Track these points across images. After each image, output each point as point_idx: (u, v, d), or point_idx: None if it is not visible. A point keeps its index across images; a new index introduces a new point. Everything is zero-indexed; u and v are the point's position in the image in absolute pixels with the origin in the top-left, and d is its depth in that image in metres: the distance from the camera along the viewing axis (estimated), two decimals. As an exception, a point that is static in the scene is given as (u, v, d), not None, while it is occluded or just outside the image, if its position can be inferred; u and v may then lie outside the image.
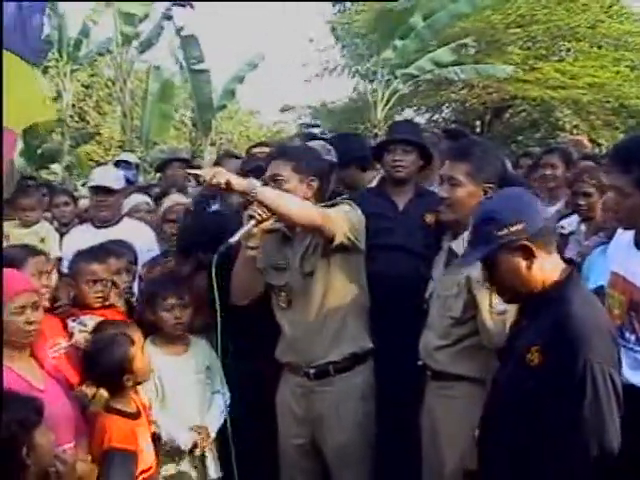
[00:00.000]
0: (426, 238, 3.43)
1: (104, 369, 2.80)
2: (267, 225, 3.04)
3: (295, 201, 2.97)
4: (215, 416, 3.30)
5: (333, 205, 3.16)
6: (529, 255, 2.15)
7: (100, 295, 3.29)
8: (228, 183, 2.79)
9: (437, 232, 3.30)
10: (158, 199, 4.90)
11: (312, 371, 3.16)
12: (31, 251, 3.16)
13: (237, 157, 5.61)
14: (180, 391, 3.24)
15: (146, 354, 2.93)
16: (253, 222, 2.91)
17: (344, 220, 3.08)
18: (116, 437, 2.69)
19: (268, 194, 2.87)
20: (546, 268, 2.19)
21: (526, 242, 2.14)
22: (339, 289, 3.14)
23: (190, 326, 3.38)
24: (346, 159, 4.26)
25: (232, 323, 3.09)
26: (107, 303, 3.34)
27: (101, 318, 3.22)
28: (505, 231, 2.13)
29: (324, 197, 3.23)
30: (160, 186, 5.07)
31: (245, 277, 3.19)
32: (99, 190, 4.52)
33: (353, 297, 3.18)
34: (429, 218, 3.50)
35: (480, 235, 2.21)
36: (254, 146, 3.92)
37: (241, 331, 3.30)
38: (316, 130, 5.78)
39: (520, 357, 2.13)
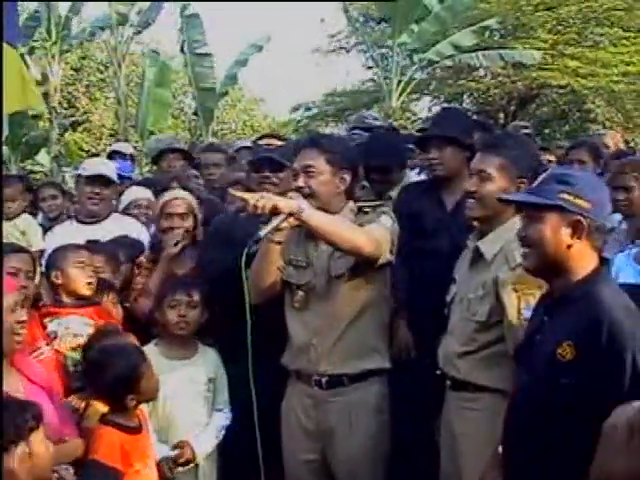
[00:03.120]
0: None
1: (107, 382, 2.79)
2: (294, 220, 3.05)
3: (345, 226, 3.03)
4: (209, 437, 3.32)
5: (374, 208, 3.21)
6: (577, 233, 2.24)
7: (90, 281, 3.30)
8: (275, 207, 2.86)
9: None
10: (158, 194, 4.88)
11: (324, 379, 3.17)
12: (11, 248, 3.18)
13: (221, 151, 5.64)
14: (174, 399, 3.25)
15: (154, 371, 2.92)
16: (283, 216, 2.94)
17: (387, 240, 3.12)
18: (102, 450, 2.70)
19: (317, 217, 2.95)
20: (583, 258, 2.27)
21: (581, 219, 2.23)
22: (365, 299, 3.17)
23: (199, 332, 3.41)
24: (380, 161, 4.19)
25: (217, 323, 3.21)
26: (93, 300, 3.37)
27: (86, 319, 3.24)
28: (571, 198, 2.24)
29: (354, 192, 3.27)
30: (160, 180, 5.06)
31: (265, 274, 3.18)
32: (95, 181, 4.48)
33: (378, 309, 3.23)
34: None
35: (546, 188, 2.30)
36: (261, 137, 3.91)
37: (225, 331, 3.37)
38: (377, 123, 5.66)
39: (549, 354, 2.18)
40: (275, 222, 2.95)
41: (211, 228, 3.87)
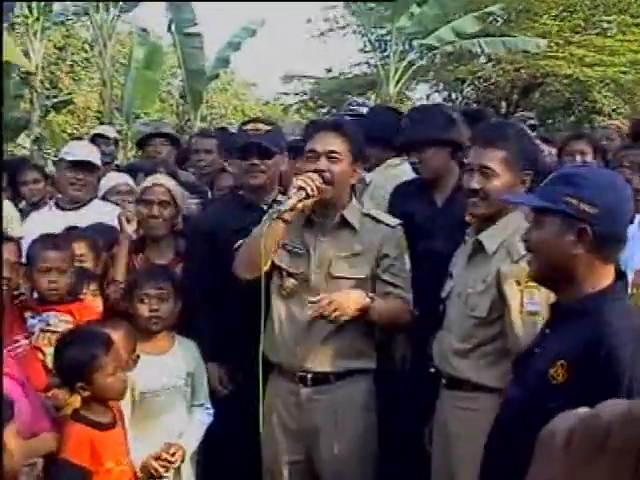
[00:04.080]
0: None
1: (59, 366, 2.78)
2: (310, 202, 3.08)
3: (396, 310, 3.20)
4: (193, 436, 3.30)
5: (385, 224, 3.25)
6: (582, 242, 2.10)
7: (54, 287, 3.26)
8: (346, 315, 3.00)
9: None
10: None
11: (310, 376, 3.16)
12: None
13: (212, 136, 5.63)
14: (150, 396, 3.23)
15: (123, 374, 2.84)
16: (303, 194, 2.99)
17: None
18: (71, 448, 2.67)
19: (378, 310, 3.11)
20: (593, 270, 2.13)
21: (585, 227, 2.09)
22: None
23: (176, 324, 3.38)
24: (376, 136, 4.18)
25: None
26: (73, 297, 3.34)
27: (66, 316, 3.22)
28: (574, 202, 2.09)
29: (354, 186, 3.31)
30: (145, 166, 5.03)
31: (268, 250, 3.12)
32: (79, 166, 4.47)
33: None
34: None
35: (551, 189, 2.18)
36: (246, 122, 3.85)
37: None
38: (364, 109, 5.69)
39: (541, 371, 2.10)
40: (295, 198, 2.99)
41: (192, 223, 3.86)
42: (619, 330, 2.03)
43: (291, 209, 3.04)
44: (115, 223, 3.98)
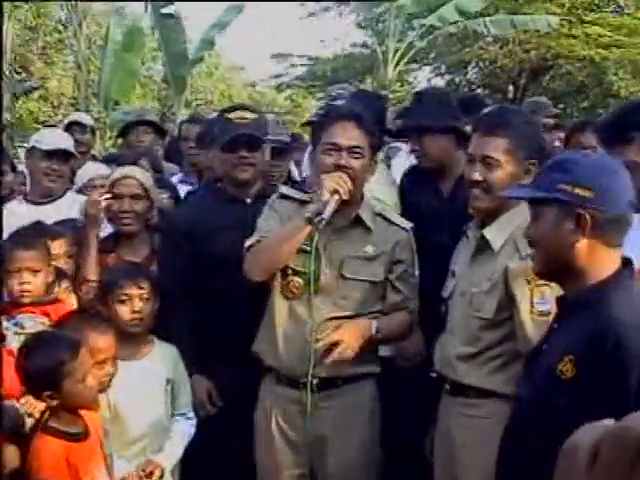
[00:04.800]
0: None
1: (26, 373, 2.71)
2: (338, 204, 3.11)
3: (402, 326, 3.32)
4: (175, 451, 3.30)
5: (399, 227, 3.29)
6: (581, 228, 2.14)
7: (25, 289, 3.24)
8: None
9: None
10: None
11: (316, 381, 3.17)
12: None
13: (202, 122, 5.65)
14: (127, 404, 3.21)
15: (93, 380, 2.79)
16: (337, 197, 3.05)
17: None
18: (46, 465, 2.63)
19: (387, 331, 3.23)
20: (596, 258, 2.17)
21: (583, 212, 2.13)
22: (372, 303, 3.24)
23: (154, 326, 3.38)
24: None
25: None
26: (50, 298, 3.33)
27: (42, 318, 3.22)
28: (568, 188, 2.14)
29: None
30: (127, 156, 5.04)
31: (289, 253, 3.14)
32: (54, 156, 4.46)
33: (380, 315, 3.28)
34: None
35: (543, 178, 2.23)
36: (229, 110, 3.79)
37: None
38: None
39: (549, 367, 2.13)
40: (333, 204, 3.02)
41: (168, 219, 3.85)
42: (625, 319, 2.06)
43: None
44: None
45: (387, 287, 3.26)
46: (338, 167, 3.11)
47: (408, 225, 3.32)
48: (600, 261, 2.18)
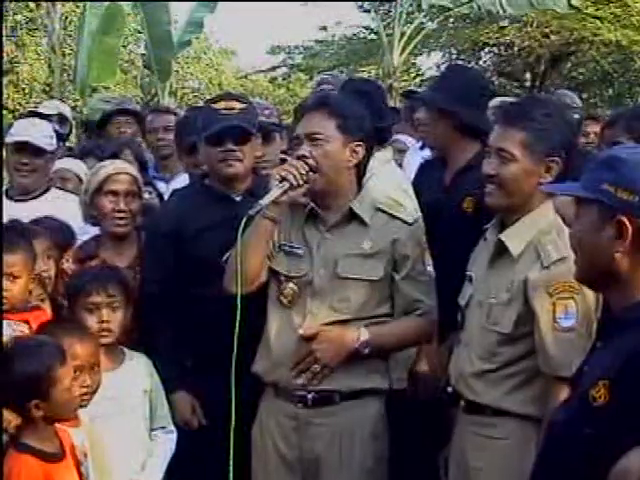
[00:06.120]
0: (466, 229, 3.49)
1: (11, 382, 2.70)
2: (298, 194, 3.13)
3: (412, 332, 3.31)
4: (154, 468, 3.31)
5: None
6: (622, 235, 2.06)
7: (2, 296, 3.22)
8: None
9: (475, 221, 3.33)
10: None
11: (310, 396, 3.18)
12: None
13: (170, 112, 5.73)
14: (103, 419, 3.19)
15: (76, 390, 2.84)
16: (287, 185, 3.05)
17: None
18: None
19: (382, 341, 3.21)
20: None
21: (623, 218, 2.05)
22: (373, 307, 3.23)
23: (128, 336, 3.39)
24: None
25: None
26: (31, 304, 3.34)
27: (23, 325, 3.22)
28: (612, 189, 2.07)
29: (364, 170, 3.30)
30: (106, 148, 5.05)
31: (254, 257, 3.18)
32: (22, 149, 4.49)
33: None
34: (467, 203, 3.55)
35: (590, 176, 2.15)
36: (215, 99, 3.78)
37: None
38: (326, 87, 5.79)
39: (584, 392, 2.08)
40: (278, 191, 3.04)
41: (151, 219, 3.85)
42: None
43: (275, 204, 3.09)
44: (78, 219, 3.96)
45: (394, 289, 3.26)
46: (298, 158, 3.15)
47: (412, 218, 3.32)
48: None
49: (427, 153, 4.70)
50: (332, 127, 3.17)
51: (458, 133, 3.76)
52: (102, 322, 3.27)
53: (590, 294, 2.71)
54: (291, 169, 3.09)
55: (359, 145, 3.22)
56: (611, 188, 2.07)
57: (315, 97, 3.59)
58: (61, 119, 6.40)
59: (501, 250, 2.95)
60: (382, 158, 3.95)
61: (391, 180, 3.90)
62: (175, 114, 5.76)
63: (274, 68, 23.21)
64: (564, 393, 2.45)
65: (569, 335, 2.70)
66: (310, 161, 3.13)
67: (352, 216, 3.23)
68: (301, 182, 3.08)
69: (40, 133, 4.62)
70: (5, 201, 4.43)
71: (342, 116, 3.19)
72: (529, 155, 2.89)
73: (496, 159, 2.93)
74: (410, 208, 3.55)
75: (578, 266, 2.23)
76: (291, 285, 3.22)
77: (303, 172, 3.09)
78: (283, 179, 3.07)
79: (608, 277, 2.13)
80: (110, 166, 3.86)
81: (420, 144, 5.40)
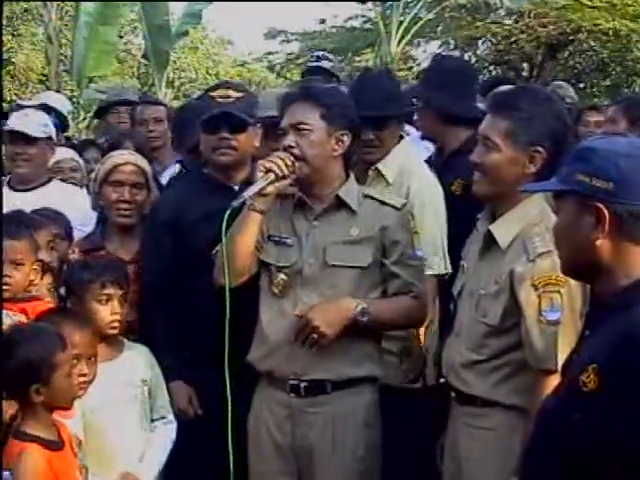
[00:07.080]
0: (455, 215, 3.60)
1: (12, 367, 2.73)
2: (284, 184, 3.16)
3: (404, 310, 3.30)
4: (155, 460, 3.33)
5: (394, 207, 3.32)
6: (600, 222, 2.08)
7: (3, 282, 3.23)
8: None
9: (465, 205, 3.41)
10: (105, 154, 4.86)
11: (303, 385, 3.22)
12: None
13: (159, 103, 5.78)
14: (102, 409, 3.23)
15: (75, 378, 2.87)
16: (272, 177, 3.08)
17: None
18: (33, 476, 2.65)
19: (380, 312, 3.22)
20: (626, 258, 2.12)
21: (600, 206, 2.07)
22: (364, 294, 3.25)
23: (130, 327, 3.43)
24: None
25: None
26: (31, 294, 3.35)
27: (20, 315, 3.24)
28: (586, 179, 2.10)
29: (351, 160, 3.35)
30: (109, 138, 5.08)
31: (242, 249, 3.22)
32: (16, 138, 4.53)
33: None
34: (455, 186, 3.63)
35: (566, 169, 2.19)
36: (213, 88, 3.82)
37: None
38: (327, 64, 5.84)
39: (574, 379, 2.09)
40: (262, 183, 3.07)
41: (150, 213, 3.85)
42: None
43: (261, 195, 3.13)
44: (86, 209, 3.99)
45: (386, 274, 3.28)
46: (284, 149, 3.18)
47: (400, 202, 3.36)
48: (629, 259, 2.12)
49: (428, 143, 4.75)
50: (316, 116, 3.20)
51: (445, 122, 3.88)
52: (114, 314, 3.29)
53: (576, 287, 2.72)
54: (276, 160, 3.11)
55: (344, 134, 3.25)
56: (586, 178, 2.10)
57: (298, 88, 3.59)
58: (56, 112, 6.43)
59: (490, 241, 2.96)
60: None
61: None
62: (165, 105, 5.81)
63: (271, 53, 23.14)
64: (550, 385, 2.46)
65: (555, 328, 2.71)
66: (295, 151, 3.16)
67: (340, 204, 3.26)
68: (287, 172, 3.12)
69: (32, 122, 4.64)
70: (6, 190, 4.47)
71: (326, 105, 3.22)
72: (512, 144, 2.89)
73: (482, 147, 2.95)
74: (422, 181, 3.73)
75: (562, 259, 2.26)
76: (282, 275, 3.25)
77: (289, 163, 3.12)
78: (268, 170, 3.10)
79: (592, 266, 2.15)
80: (118, 156, 3.89)
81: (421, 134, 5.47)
